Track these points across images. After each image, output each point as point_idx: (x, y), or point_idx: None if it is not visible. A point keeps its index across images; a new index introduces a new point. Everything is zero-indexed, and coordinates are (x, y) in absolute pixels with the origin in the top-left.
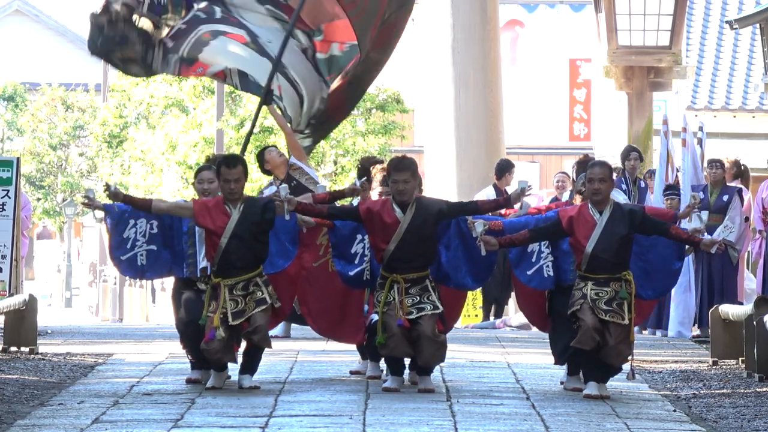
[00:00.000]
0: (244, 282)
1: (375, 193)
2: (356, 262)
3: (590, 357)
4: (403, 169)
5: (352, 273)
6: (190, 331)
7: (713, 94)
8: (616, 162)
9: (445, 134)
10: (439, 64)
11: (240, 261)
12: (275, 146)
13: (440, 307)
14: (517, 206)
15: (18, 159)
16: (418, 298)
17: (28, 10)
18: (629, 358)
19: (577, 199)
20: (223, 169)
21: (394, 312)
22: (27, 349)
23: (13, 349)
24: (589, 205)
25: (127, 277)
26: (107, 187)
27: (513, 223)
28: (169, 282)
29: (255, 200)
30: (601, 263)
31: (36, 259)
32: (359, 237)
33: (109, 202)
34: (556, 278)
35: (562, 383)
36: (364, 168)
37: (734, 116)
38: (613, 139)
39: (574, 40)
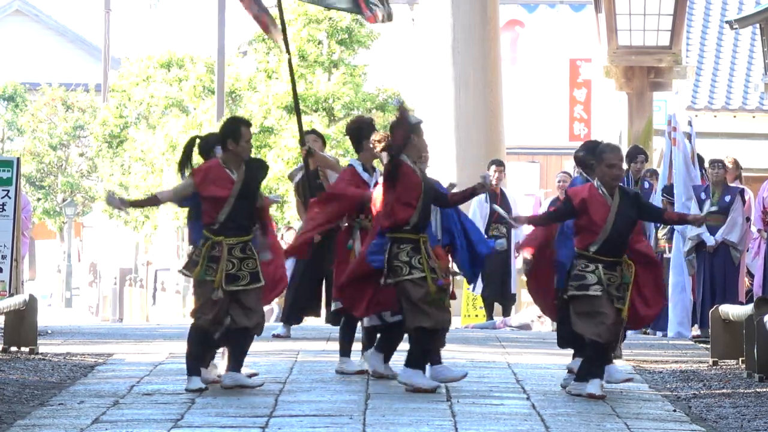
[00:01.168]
0: (243, 244)
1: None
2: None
3: (604, 348)
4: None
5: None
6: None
7: (713, 94)
8: None
9: (445, 134)
10: (439, 64)
11: (245, 220)
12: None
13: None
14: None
15: (18, 159)
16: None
17: (28, 10)
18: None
19: None
20: (245, 129)
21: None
22: (27, 349)
23: (14, 349)
24: (597, 185)
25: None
26: (109, 195)
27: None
28: (169, 282)
29: (251, 160)
30: (613, 246)
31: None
32: None
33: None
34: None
35: (563, 387)
36: (356, 131)
37: (734, 116)
38: (613, 140)
39: (574, 40)
